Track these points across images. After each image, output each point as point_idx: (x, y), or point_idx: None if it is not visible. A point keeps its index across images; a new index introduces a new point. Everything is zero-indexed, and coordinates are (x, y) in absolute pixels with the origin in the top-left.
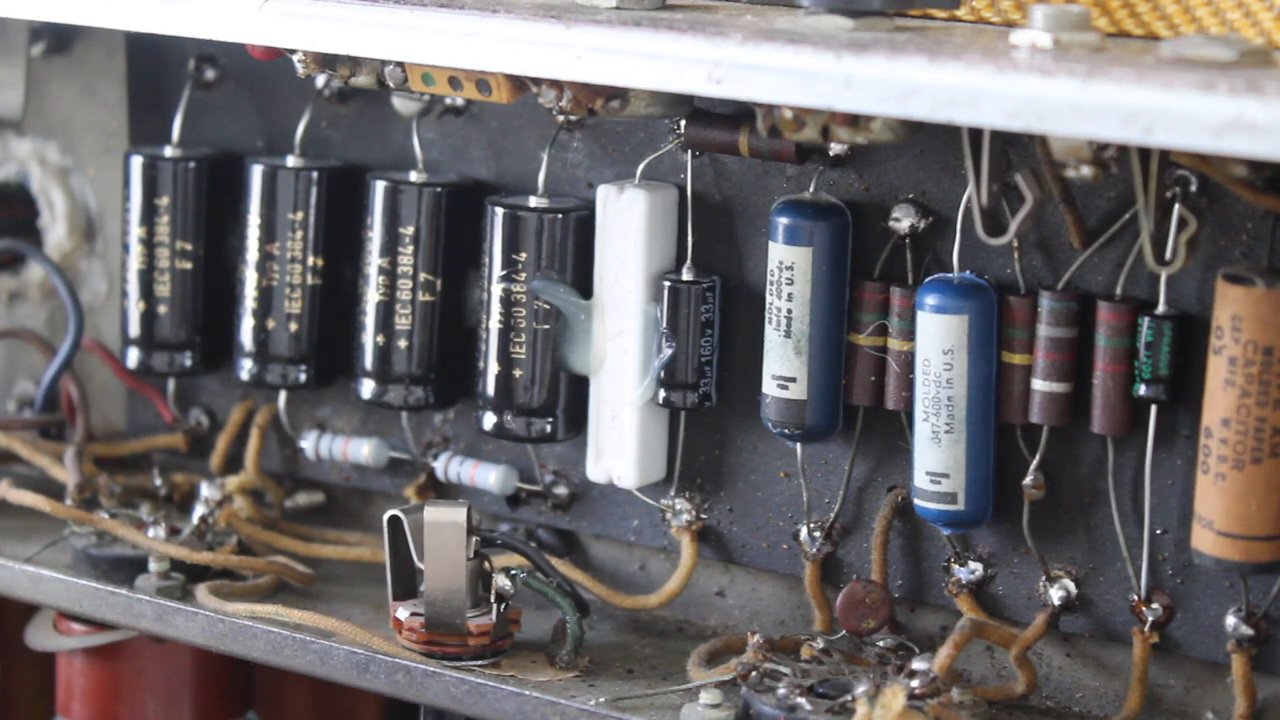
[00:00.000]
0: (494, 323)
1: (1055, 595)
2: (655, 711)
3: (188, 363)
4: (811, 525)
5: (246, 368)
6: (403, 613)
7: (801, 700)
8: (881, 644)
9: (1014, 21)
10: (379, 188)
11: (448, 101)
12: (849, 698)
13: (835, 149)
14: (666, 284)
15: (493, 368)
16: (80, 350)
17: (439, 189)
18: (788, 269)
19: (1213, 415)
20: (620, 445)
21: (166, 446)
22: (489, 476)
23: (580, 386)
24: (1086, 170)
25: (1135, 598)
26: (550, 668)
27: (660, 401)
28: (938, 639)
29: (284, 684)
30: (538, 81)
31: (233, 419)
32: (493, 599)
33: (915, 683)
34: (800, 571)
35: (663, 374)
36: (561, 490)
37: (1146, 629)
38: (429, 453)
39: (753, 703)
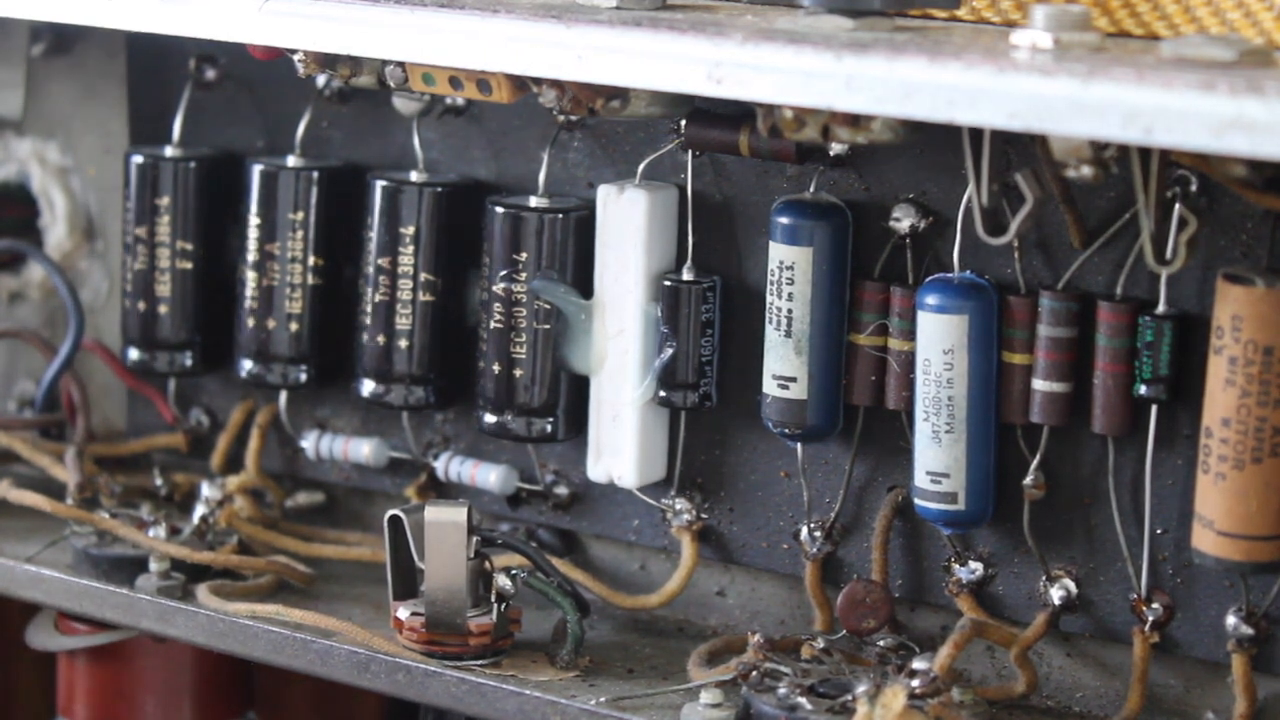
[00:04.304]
0: (494, 323)
1: (1055, 595)
2: (655, 711)
3: (188, 363)
4: (812, 525)
5: (246, 368)
6: (403, 612)
7: (802, 700)
8: (882, 644)
9: (1014, 21)
10: (379, 188)
11: (448, 101)
12: (849, 697)
13: (835, 149)
14: (666, 284)
15: (493, 368)
16: (81, 350)
17: (439, 189)
18: (788, 269)
19: (1213, 415)
20: (620, 445)
21: (167, 446)
22: (489, 476)
23: (580, 386)
24: (1086, 170)
25: (1135, 597)
26: (551, 667)
27: (660, 401)
28: (938, 639)
29: (284, 684)
30: (538, 81)
31: (233, 419)
32: (493, 599)
33: (915, 682)
34: (800, 571)
35: (663, 374)
36: (562, 490)
37: (1147, 629)
38: (429, 453)
39: (753, 702)
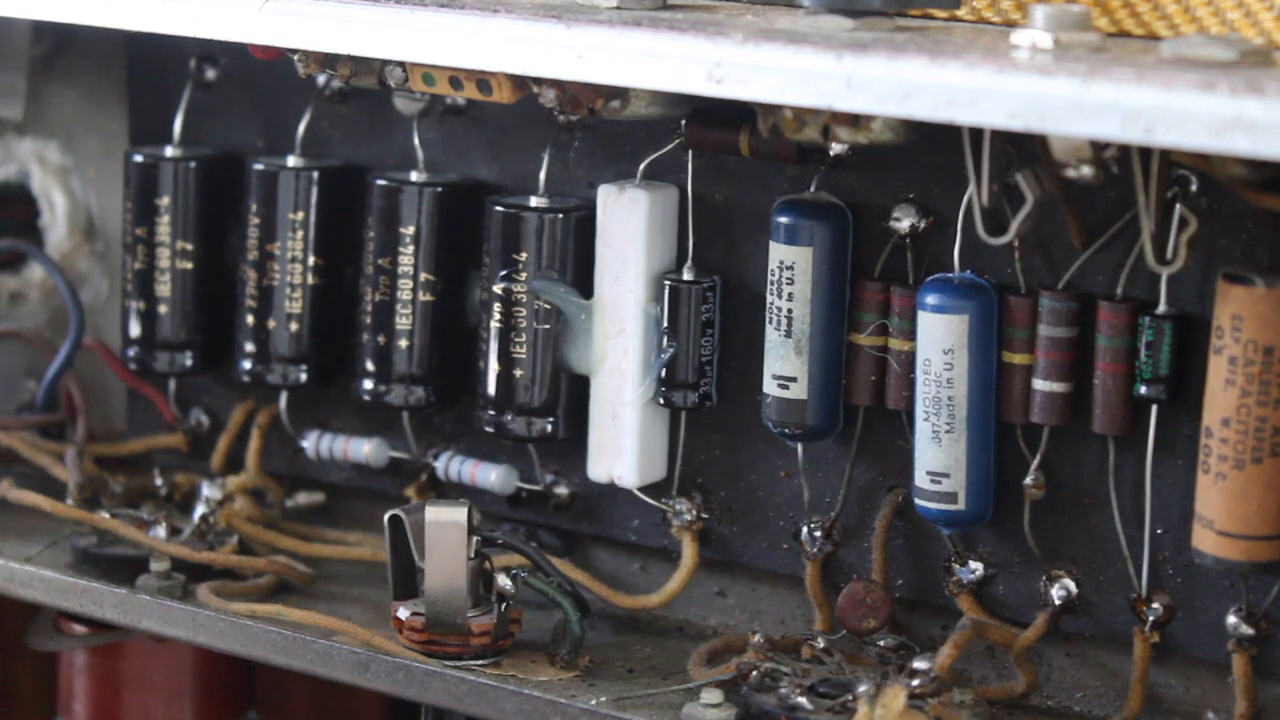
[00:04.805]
0: (494, 323)
1: (1055, 595)
2: (656, 711)
3: (188, 363)
4: (812, 525)
5: (247, 368)
6: (404, 612)
7: (802, 700)
8: (882, 644)
9: (1014, 21)
10: (379, 188)
11: (448, 101)
12: (850, 697)
13: (835, 149)
14: (667, 284)
15: (493, 368)
16: (81, 350)
17: (439, 189)
18: (788, 269)
19: (1213, 415)
20: (620, 445)
21: (167, 446)
22: (489, 476)
23: (580, 386)
24: (1087, 170)
25: (1135, 597)
26: (551, 667)
27: (660, 401)
28: (938, 639)
29: (285, 684)
30: (538, 81)
31: (233, 419)
32: (494, 599)
33: (916, 682)
34: (801, 571)
35: (663, 374)
36: (562, 490)
37: (1147, 629)
38: (429, 452)
39: (753, 702)
